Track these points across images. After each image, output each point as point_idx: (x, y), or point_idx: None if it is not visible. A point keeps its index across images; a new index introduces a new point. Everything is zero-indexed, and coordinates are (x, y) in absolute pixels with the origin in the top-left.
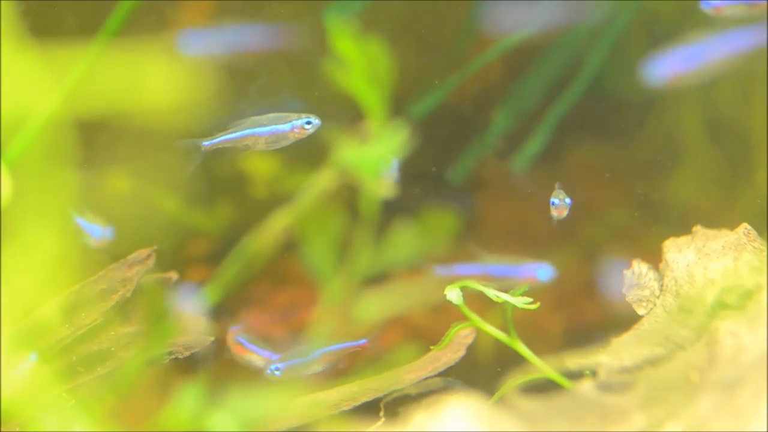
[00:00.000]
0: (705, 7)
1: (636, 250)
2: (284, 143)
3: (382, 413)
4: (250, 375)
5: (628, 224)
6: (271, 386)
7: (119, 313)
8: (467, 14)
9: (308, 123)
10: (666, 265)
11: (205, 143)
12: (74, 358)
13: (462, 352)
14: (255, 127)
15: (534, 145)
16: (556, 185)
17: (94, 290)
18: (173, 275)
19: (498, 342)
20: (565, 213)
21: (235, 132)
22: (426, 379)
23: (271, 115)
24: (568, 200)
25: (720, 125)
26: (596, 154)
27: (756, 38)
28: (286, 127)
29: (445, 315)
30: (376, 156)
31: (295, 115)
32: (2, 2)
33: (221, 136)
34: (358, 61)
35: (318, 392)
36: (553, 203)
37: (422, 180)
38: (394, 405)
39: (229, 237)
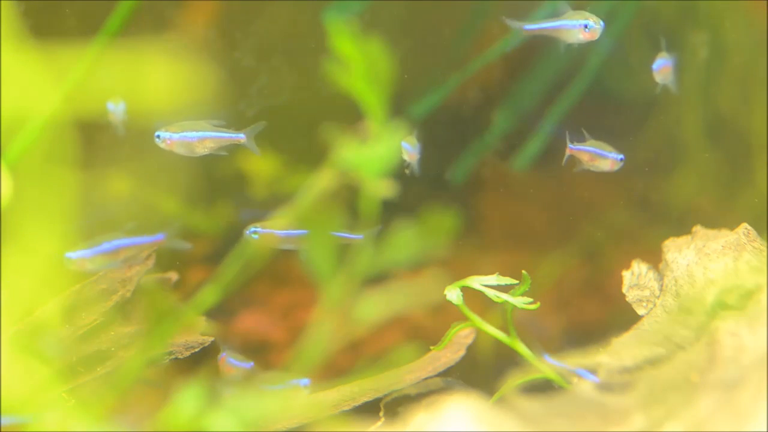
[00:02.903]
0: None
1: (636, 250)
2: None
3: (382, 413)
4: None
5: (628, 224)
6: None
7: (119, 313)
8: (467, 14)
9: None
10: (666, 265)
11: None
12: (74, 358)
13: (462, 352)
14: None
15: (534, 145)
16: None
17: (94, 290)
18: (173, 275)
19: (498, 342)
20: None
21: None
22: (426, 379)
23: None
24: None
25: (720, 125)
26: None
27: None
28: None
29: (445, 315)
30: (376, 156)
31: None
32: (2, 2)
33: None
34: (358, 61)
35: (318, 392)
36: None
37: (422, 180)
38: (394, 405)
39: (229, 237)
